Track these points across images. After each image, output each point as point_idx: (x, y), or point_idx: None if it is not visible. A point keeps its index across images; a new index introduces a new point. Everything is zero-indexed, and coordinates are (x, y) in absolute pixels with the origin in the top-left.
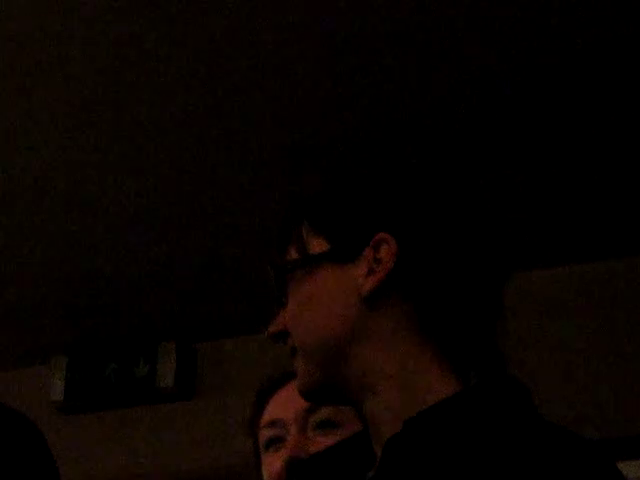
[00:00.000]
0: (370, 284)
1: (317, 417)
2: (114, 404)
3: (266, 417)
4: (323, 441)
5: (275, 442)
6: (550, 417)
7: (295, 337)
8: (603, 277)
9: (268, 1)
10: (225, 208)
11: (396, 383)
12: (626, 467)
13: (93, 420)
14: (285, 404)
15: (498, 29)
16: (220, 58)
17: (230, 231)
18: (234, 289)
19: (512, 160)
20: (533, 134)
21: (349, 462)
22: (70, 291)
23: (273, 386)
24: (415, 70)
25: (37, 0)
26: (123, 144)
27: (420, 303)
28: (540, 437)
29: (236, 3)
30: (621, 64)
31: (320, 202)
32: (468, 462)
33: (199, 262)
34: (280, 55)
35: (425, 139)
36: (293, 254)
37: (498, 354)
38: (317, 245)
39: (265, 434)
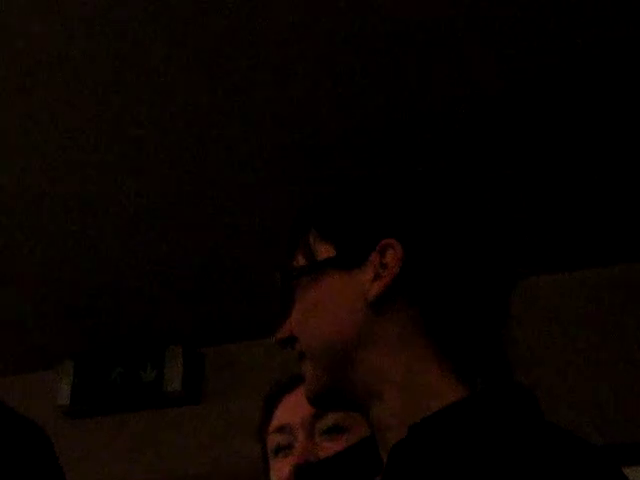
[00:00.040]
0: (376, 289)
1: (325, 422)
2: (121, 408)
3: (274, 423)
4: (331, 446)
5: (284, 449)
6: (560, 423)
7: (302, 342)
8: (610, 282)
9: (268, 1)
10: (233, 212)
11: (402, 388)
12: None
13: (100, 424)
14: (293, 409)
15: (498, 29)
16: (220, 58)
17: (238, 236)
18: (241, 293)
19: (518, 165)
20: (540, 140)
21: (357, 468)
22: (77, 296)
23: (281, 391)
24: (417, 71)
25: (37, 0)
26: (126, 145)
27: (426, 308)
28: (546, 443)
29: (236, 3)
30: (623, 65)
31: (326, 208)
32: (473, 468)
33: (206, 266)
34: (280, 55)
35: (429, 142)
36: (301, 260)
37: (504, 360)
38: (324, 251)
39: (273, 440)
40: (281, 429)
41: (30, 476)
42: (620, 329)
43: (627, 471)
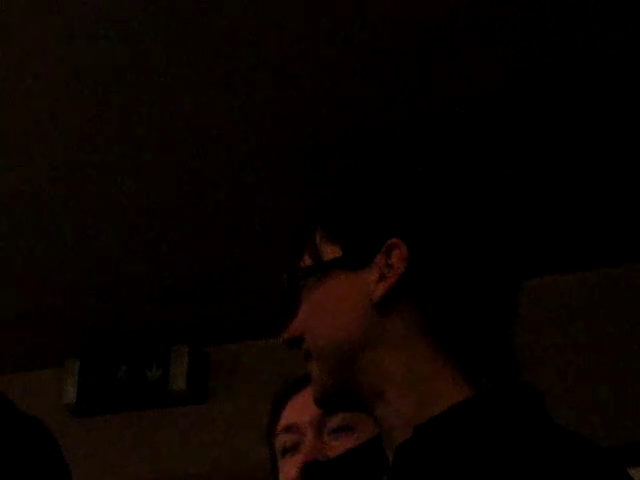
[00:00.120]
0: (381, 289)
1: (333, 421)
2: (126, 407)
3: (282, 423)
4: (339, 445)
5: (291, 448)
6: (561, 423)
7: (308, 342)
8: (610, 283)
9: (268, 1)
10: (237, 211)
11: (407, 388)
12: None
13: (105, 423)
14: (301, 409)
15: (498, 29)
16: (220, 58)
17: (243, 235)
18: (246, 293)
19: (519, 166)
20: (542, 140)
21: (364, 467)
22: (83, 294)
23: (289, 392)
24: (417, 71)
25: (38, 0)
26: (126, 145)
27: (431, 308)
28: (551, 443)
29: (236, 3)
30: (623, 65)
31: (333, 209)
32: (479, 468)
33: (211, 266)
34: (280, 55)
35: (429, 142)
36: (307, 261)
37: (511, 360)
38: (330, 252)
39: (281, 440)
40: (289, 429)
41: (36, 474)
42: (620, 329)
43: (633, 472)
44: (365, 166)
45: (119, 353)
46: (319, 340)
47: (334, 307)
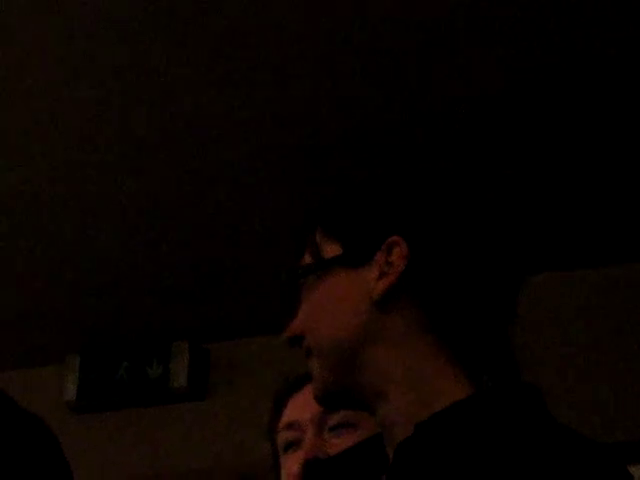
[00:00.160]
0: (381, 287)
1: (334, 419)
2: (127, 404)
3: (284, 420)
4: (340, 442)
5: (292, 444)
6: (561, 421)
7: (309, 340)
8: (611, 282)
9: (268, 1)
10: (239, 212)
11: (407, 386)
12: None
13: (106, 420)
14: (302, 406)
15: (498, 29)
16: (220, 58)
17: (243, 233)
18: (247, 290)
19: (519, 164)
20: (542, 139)
21: (365, 465)
22: (83, 292)
23: (290, 389)
24: (417, 71)
25: (38, 0)
26: (126, 145)
27: (431, 306)
28: (552, 441)
29: (236, 3)
30: (623, 64)
31: (333, 207)
32: (479, 466)
33: (212, 263)
34: (280, 55)
35: (429, 142)
36: (308, 259)
37: (511, 357)
38: (330, 250)
39: (283, 436)
40: (290, 426)
41: (37, 472)
42: (621, 329)
43: (633, 469)
44: (365, 166)
45: (120, 350)
46: (319, 338)
47: (334, 305)
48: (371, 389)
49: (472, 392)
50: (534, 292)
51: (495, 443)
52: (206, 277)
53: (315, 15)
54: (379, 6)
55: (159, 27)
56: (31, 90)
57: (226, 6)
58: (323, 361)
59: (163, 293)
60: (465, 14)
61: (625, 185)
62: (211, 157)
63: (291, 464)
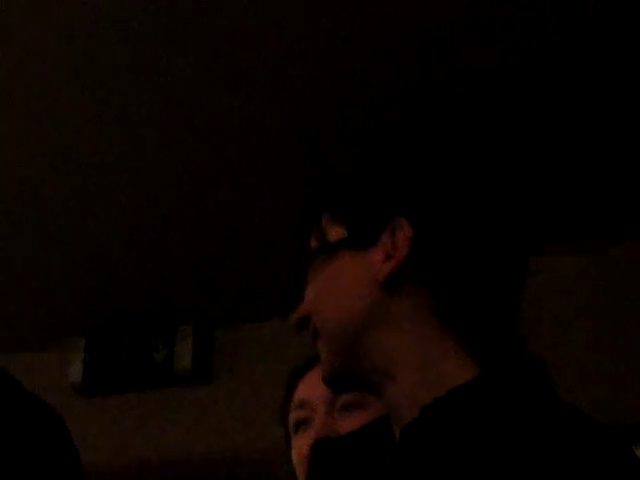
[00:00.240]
0: (387, 269)
1: (344, 398)
2: (131, 387)
3: (295, 399)
4: (350, 422)
5: (303, 423)
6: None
7: (316, 322)
8: (617, 261)
9: (269, 1)
10: (244, 193)
11: (414, 368)
12: None
13: (110, 402)
14: (313, 386)
15: (498, 29)
16: (220, 58)
17: (249, 216)
18: (252, 274)
19: (526, 146)
20: (546, 118)
21: (373, 445)
22: (88, 273)
23: (302, 370)
24: (417, 71)
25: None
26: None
27: (436, 287)
28: (558, 422)
29: (236, 3)
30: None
31: (337, 191)
32: (485, 448)
33: (217, 247)
34: (280, 55)
35: (430, 142)
36: (313, 243)
37: (517, 339)
38: (336, 233)
39: (294, 416)
40: (301, 405)
41: (44, 454)
42: (622, 308)
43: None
44: (365, 166)
45: (125, 333)
46: (325, 321)
47: (340, 288)
48: (378, 372)
49: (478, 373)
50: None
51: (501, 425)
52: (211, 261)
53: (315, 15)
54: (379, 6)
55: (159, 27)
56: (31, 90)
57: (226, 6)
58: (329, 344)
59: (169, 276)
60: (465, 14)
61: (626, 159)
62: (211, 157)
63: (301, 444)
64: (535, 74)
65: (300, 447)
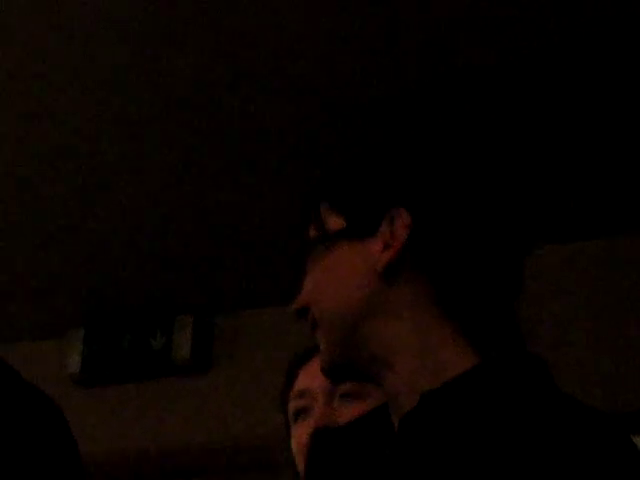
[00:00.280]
0: (385, 258)
1: (344, 388)
2: (130, 376)
3: (295, 388)
4: (350, 411)
5: (303, 412)
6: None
7: (315, 312)
8: (616, 253)
9: (269, 1)
10: (242, 182)
11: (413, 356)
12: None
13: (109, 392)
14: (313, 375)
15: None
16: (220, 58)
17: (247, 204)
18: (251, 262)
19: (527, 137)
20: (543, 109)
21: (372, 435)
22: (87, 263)
23: (303, 358)
24: (417, 72)
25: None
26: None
27: (435, 276)
28: (557, 411)
29: (237, 3)
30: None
31: (336, 181)
32: (484, 436)
33: (216, 235)
34: (281, 55)
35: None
36: (312, 233)
37: (517, 328)
38: (335, 223)
39: (293, 405)
40: (301, 394)
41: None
42: (622, 300)
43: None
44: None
45: (123, 322)
46: (324, 311)
47: (338, 278)
48: (376, 361)
49: (477, 363)
50: (535, 265)
51: (500, 414)
52: (210, 249)
53: (315, 15)
54: (379, 6)
55: (159, 27)
56: (31, 90)
57: (226, 6)
58: (328, 334)
59: (167, 264)
60: (465, 14)
61: (626, 157)
62: (211, 157)
63: (301, 433)
64: (535, 74)
65: (300, 436)
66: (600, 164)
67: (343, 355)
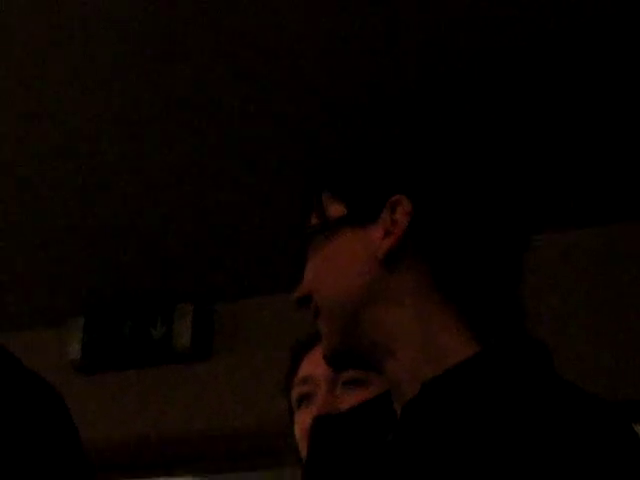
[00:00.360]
0: (386, 245)
1: (346, 375)
2: (130, 364)
3: (299, 374)
4: (352, 398)
5: (306, 398)
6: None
7: (317, 300)
8: (615, 241)
9: (269, 1)
10: (245, 170)
11: (414, 344)
12: None
13: (110, 380)
14: (317, 362)
15: (498, 29)
16: (220, 58)
17: (248, 192)
18: (251, 250)
19: (528, 123)
20: (542, 97)
21: (374, 421)
22: (88, 251)
23: (307, 345)
24: (418, 71)
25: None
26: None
27: (436, 263)
28: (559, 398)
29: (237, 2)
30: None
31: (337, 169)
32: (485, 424)
33: (217, 223)
34: (281, 55)
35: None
36: (314, 220)
37: (518, 315)
38: (336, 211)
39: (297, 391)
40: (305, 380)
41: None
42: (622, 288)
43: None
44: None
45: (124, 310)
46: (325, 298)
47: (340, 265)
48: (378, 348)
49: (479, 350)
50: (533, 257)
51: (501, 401)
52: (210, 237)
53: (315, 15)
54: (379, 6)
55: (159, 27)
56: (31, 90)
57: (226, 6)
58: (329, 321)
59: (167, 252)
60: (465, 14)
61: (624, 143)
62: (211, 157)
63: (304, 419)
64: (535, 74)
65: (303, 422)
66: (601, 156)
67: (345, 343)
